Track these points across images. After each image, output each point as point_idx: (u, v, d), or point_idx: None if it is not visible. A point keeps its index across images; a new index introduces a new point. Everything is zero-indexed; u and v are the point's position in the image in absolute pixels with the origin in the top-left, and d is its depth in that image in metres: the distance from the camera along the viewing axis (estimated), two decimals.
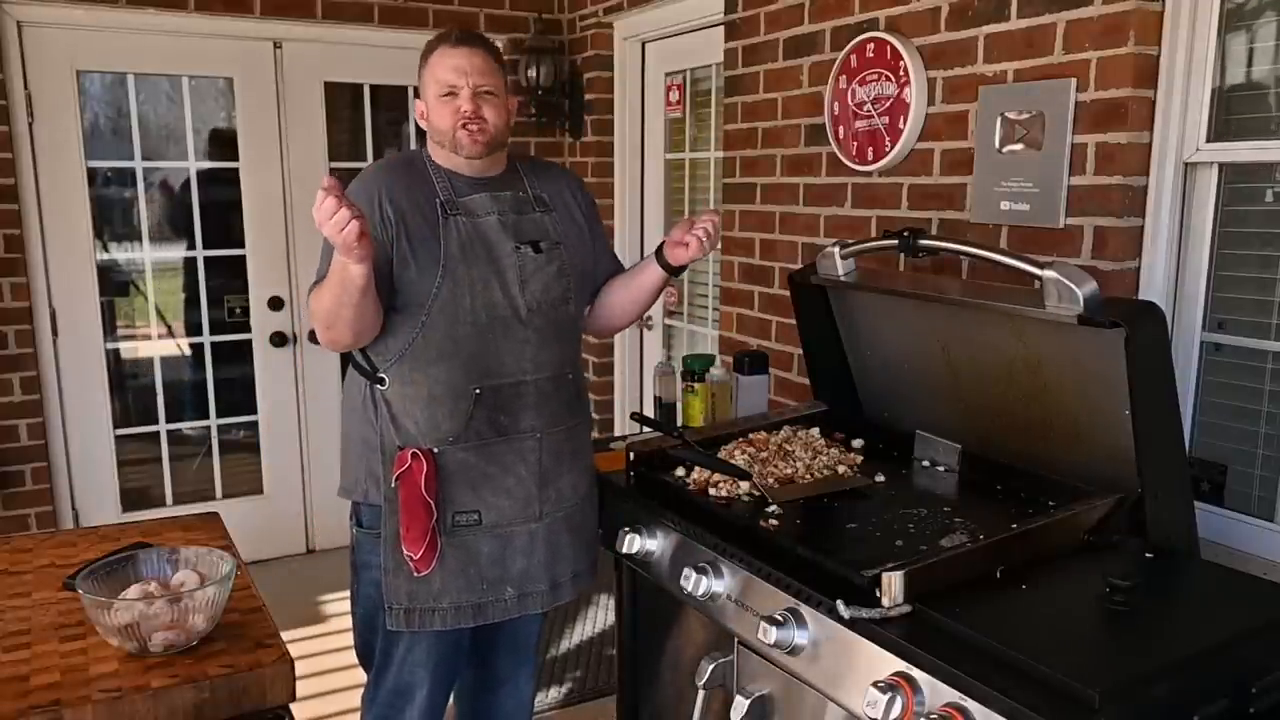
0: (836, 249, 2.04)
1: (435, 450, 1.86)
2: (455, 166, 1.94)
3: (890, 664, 1.37)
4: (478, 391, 1.87)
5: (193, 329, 4.01)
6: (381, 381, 1.89)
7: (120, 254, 3.88)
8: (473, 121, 1.88)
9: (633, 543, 1.92)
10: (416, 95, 1.99)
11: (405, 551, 1.84)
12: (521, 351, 1.91)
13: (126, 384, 3.99)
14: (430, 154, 1.97)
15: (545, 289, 1.94)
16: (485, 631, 2.02)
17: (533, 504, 1.95)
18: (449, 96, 1.88)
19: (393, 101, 4.22)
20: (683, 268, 2.02)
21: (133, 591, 1.55)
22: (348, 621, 2.08)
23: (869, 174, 2.59)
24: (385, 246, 1.82)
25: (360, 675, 2.10)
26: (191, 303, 3.99)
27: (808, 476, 1.96)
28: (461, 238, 1.87)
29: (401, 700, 1.99)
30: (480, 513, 1.90)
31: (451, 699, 2.15)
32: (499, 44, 1.99)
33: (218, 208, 3.93)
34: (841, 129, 2.64)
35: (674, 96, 3.87)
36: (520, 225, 1.95)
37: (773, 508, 1.80)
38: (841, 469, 2.01)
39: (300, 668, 1.58)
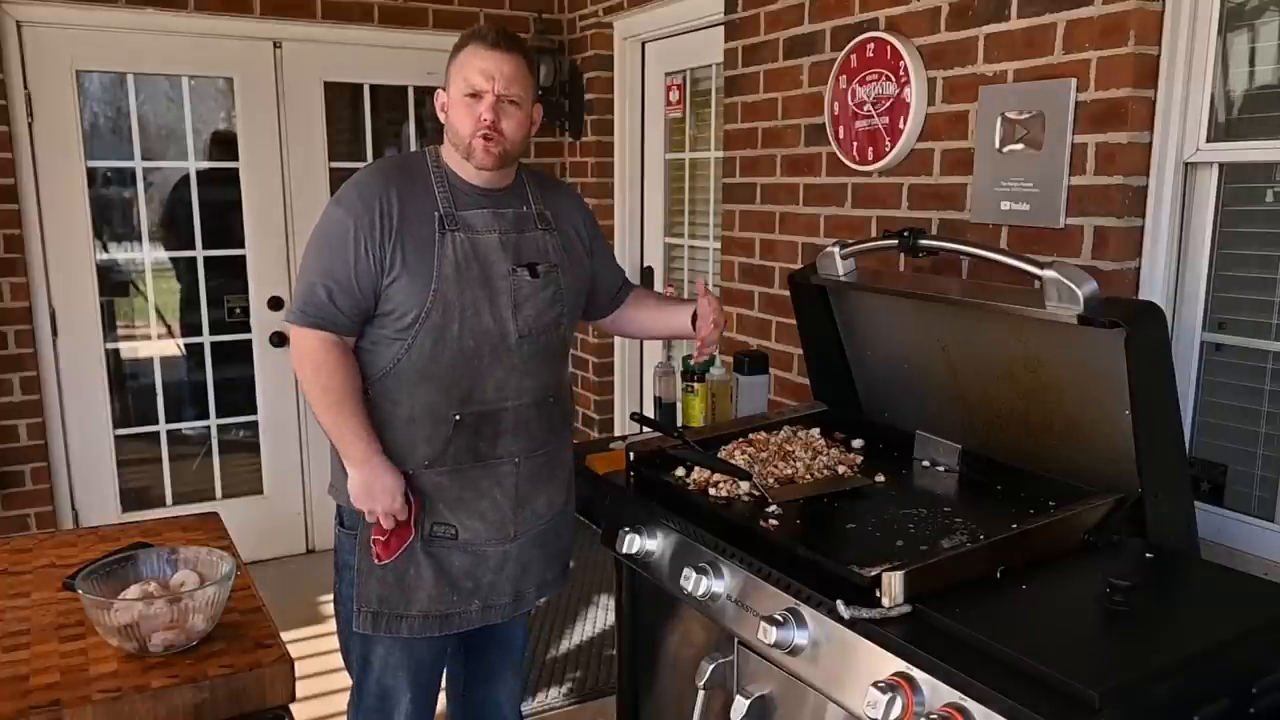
0: (836, 249, 2.03)
1: (410, 473, 1.84)
2: (463, 172, 1.88)
3: (890, 664, 1.37)
4: (457, 417, 1.84)
5: (192, 329, 4.01)
6: (364, 393, 1.85)
7: (120, 254, 3.88)
8: (491, 132, 1.80)
9: (633, 543, 1.92)
10: (439, 87, 1.89)
11: (371, 538, 1.83)
12: (506, 378, 1.88)
13: (126, 384, 3.98)
14: (440, 153, 1.90)
15: (538, 315, 1.89)
16: (469, 630, 2.02)
17: (507, 526, 1.93)
18: (472, 98, 1.81)
19: (393, 102, 4.22)
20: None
21: (132, 591, 1.55)
22: None
23: (869, 174, 2.59)
24: (380, 269, 1.78)
25: None
26: (191, 303, 3.98)
27: (808, 476, 1.96)
28: (457, 257, 1.81)
29: (386, 705, 1.96)
30: (456, 529, 1.90)
31: (442, 696, 2.14)
32: None
33: (218, 208, 3.93)
34: (841, 129, 2.64)
35: (674, 96, 3.87)
36: (520, 245, 1.88)
37: (773, 508, 1.80)
38: (841, 469, 2.00)
39: (300, 668, 1.58)
